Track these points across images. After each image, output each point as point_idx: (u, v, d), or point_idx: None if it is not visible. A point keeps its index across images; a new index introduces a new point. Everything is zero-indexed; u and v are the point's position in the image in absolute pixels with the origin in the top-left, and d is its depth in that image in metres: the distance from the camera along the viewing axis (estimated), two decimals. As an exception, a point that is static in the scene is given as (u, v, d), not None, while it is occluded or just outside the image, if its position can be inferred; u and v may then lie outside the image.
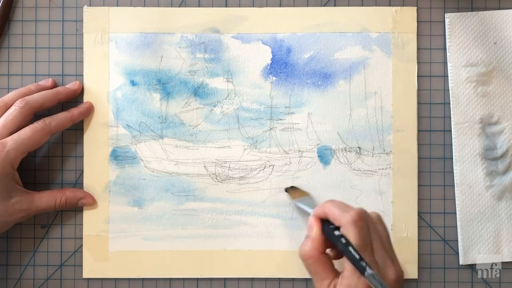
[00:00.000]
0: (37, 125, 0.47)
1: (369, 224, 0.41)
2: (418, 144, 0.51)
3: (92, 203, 0.50)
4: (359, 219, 0.40)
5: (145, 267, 0.50)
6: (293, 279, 0.51)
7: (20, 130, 0.46)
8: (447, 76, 0.51)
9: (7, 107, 0.47)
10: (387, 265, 0.40)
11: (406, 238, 0.50)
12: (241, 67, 0.51)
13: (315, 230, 0.42)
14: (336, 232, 0.41)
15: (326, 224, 0.42)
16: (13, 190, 0.46)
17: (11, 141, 0.45)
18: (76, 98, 0.50)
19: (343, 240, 0.40)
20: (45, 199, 0.48)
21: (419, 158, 0.51)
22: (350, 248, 0.39)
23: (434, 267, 0.51)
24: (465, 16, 0.51)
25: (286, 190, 0.50)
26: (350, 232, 0.40)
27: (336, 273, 0.41)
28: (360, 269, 0.38)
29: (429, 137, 0.51)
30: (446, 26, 0.51)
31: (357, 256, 0.39)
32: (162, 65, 0.51)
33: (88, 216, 0.50)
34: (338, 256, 0.44)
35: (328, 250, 0.43)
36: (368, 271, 0.38)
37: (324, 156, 0.51)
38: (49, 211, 0.49)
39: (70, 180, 0.51)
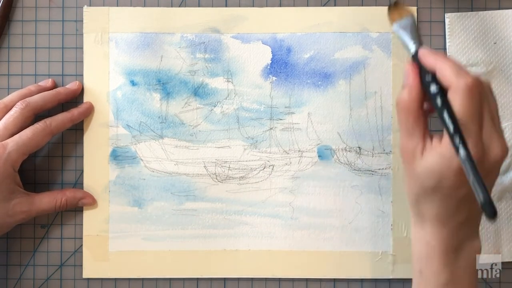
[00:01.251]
0: (38, 126, 0.47)
1: (483, 95, 0.35)
2: (418, 144, 0.51)
3: (92, 203, 0.50)
4: (475, 87, 0.34)
5: (145, 267, 0.50)
6: (293, 279, 0.51)
7: (21, 132, 0.46)
8: (447, 76, 0.51)
9: (8, 109, 0.47)
10: (493, 141, 0.35)
11: (406, 238, 0.50)
12: (241, 67, 0.51)
13: (411, 79, 0.37)
14: (433, 88, 0.35)
15: (425, 74, 0.36)
16: (13, 191, 0.46)
17: (12, 142, 0.45)
18: (76, 98, 0.50)
19: (439, 102, 0.34)
20: (46, 200, 0.48)
21: (419, 158, 0.51)
22: (446, 115, 0.33)
23: (434, 267, 0.51)
24: (465, 16, 0.51)
25: (389, 8, 0.43)
26: (458, 99, 0.34)
27: (427, 135, 0.37)
28: (453, 144, 0.33)
29: (429, 137, 0.51)
30: (446, 26, 0.51)
31: (452, 128, 0.33)
32: (162, 65, 0.51)
33: (88, 216, 0.50)
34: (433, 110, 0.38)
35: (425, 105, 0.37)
36: (462, 152, 0.32)
37: (324, 156, 0.51)
38: (49, 213, 0.49)
39: (70, 180, 0.51)
